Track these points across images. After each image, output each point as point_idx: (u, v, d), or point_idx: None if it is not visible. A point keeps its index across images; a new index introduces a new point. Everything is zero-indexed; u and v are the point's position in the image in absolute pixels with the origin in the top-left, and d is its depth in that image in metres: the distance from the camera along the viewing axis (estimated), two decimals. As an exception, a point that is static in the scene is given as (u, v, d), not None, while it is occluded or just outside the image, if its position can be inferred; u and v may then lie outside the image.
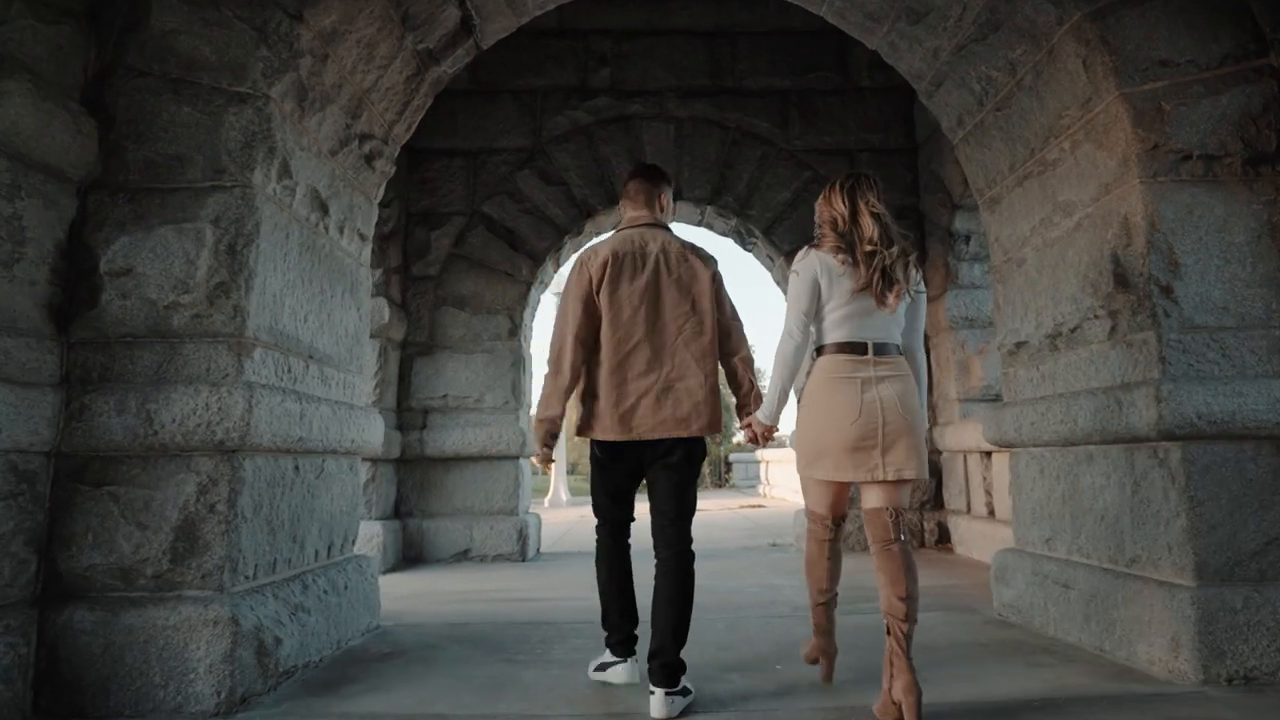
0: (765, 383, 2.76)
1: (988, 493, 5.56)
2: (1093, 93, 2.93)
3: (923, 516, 6.14)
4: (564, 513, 12.18)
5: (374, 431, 3.65)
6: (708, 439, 2.68)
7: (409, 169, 6.36)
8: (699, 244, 2.69)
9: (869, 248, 2.31)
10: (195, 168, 2.66)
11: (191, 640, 2.37)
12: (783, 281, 6.79)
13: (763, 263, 6.94)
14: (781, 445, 13.68)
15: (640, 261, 2.57)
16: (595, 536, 2.69)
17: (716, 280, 2.65)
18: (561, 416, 2.66)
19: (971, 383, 5.93)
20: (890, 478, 2.27)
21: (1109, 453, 2.96)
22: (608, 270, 2.55)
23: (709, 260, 2.65)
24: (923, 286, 2.46)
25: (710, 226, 6.90)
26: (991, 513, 5.52)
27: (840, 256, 2.34)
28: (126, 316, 2.58)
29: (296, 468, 2.97)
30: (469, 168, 6.43)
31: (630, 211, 2.73)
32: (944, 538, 6.08)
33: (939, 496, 6.21)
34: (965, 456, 5.85)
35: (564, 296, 2.63)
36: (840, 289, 2.34)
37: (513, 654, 3.08)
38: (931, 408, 6.30)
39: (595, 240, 2.34)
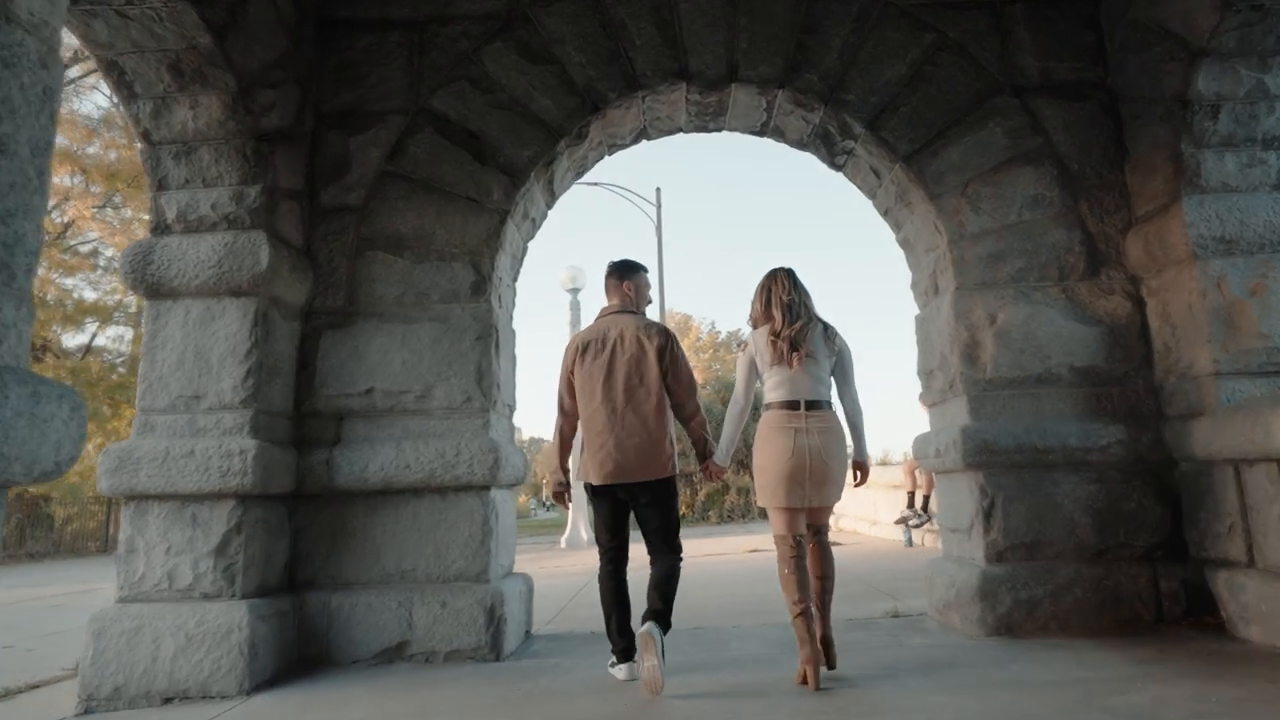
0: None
1: (1302, 531, 3.15)
2: None
3: (1155, 572, 3.70)
4: (584, 556, 9.80)
5: (31, 438, 1.39)
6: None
7: (319, 48, 4.18)
8: (655, 321, 3.46)
9: (773, 336, 3.17)
10: None
11: None
12: (896, 205, 4.47)
13: (861, 186, 4.62)
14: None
15: (601, 344, 3.32)
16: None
17: (664, 351, 3.31)
18: (562, 470, 3.49)
19: (1241, 343, 3.53)
20: (815, 505, 3.09)
21: None
22: (581, 353, 3.34)
23: (657, 337, 3.32)
24: (839, 346, 3.24)
25: (780, 131, 4.59)
26: (1319, 568, 3.10)
27: (765, 339, 3.21)
28: None
29: None
30: (412, 45, 4.22)
31: (606, 301, 3.51)
32: (1201, 604, 3.62)
33: (1177, 536, 3.77)
34: (1238, 469, 3.44)
35: (560, 371, 3.44)
36: (767, 360, 3.19)
37: None
38: (1152, 391, 3.91)
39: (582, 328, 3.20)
